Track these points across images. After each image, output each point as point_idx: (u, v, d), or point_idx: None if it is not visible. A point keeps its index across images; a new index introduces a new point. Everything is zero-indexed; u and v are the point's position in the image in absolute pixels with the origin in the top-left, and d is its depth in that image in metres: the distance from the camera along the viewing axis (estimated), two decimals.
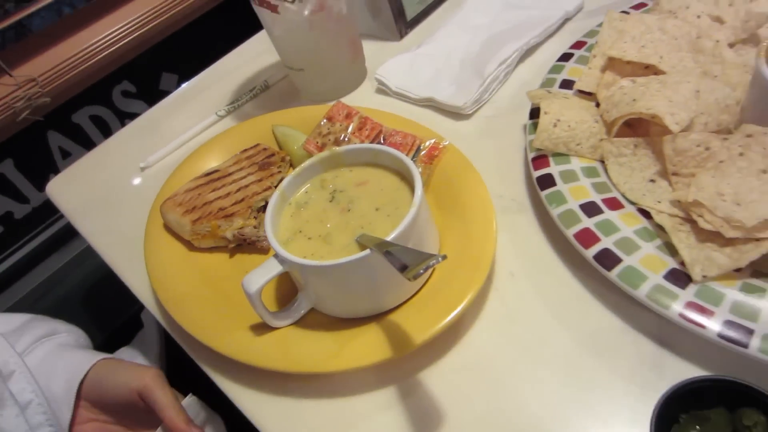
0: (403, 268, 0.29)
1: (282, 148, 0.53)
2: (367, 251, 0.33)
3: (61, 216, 0.95)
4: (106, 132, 0.97)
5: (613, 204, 0.38)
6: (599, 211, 0.37)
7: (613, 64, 0.46)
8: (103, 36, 0.87)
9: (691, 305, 0.31)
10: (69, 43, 0.85)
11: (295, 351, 0.36)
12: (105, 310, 0.89)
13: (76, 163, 0.65)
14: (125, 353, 0.58)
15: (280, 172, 0.50)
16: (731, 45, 0.46)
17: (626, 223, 0.36)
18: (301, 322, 0.38)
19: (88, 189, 0.60)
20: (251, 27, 0.68)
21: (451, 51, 0.58)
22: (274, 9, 0.54)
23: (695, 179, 0.36)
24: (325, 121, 0.51)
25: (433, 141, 0.46)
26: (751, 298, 0.31)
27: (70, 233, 0.95)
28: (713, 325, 0.30)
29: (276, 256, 0.36)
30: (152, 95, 0.94)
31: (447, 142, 0.46)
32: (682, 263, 0.33)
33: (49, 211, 0.95)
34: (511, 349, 0.35)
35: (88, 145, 0.95)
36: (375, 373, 0.36)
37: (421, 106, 0.55)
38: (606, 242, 0.35)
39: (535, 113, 0.45)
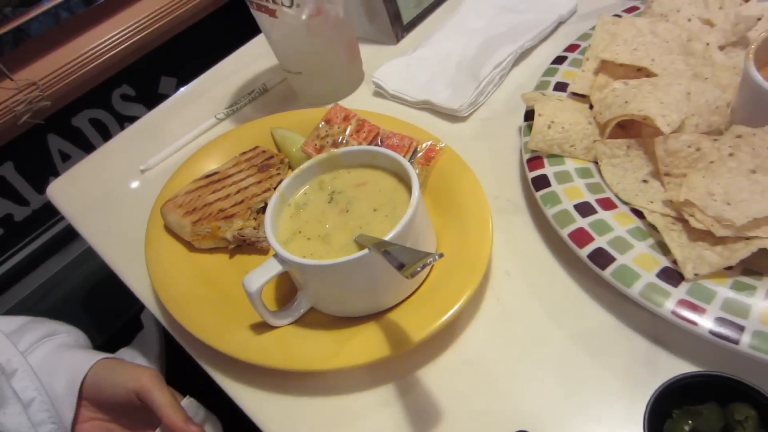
0: (400, 267, 0.29)
1: (281, 151, 0.53)
2: (366, 251, 0.33)
3: (61, 218, 0.95)
4: (106, 135, 0.97)
5: (607, 204, 0.38)
6: (593, 211, 0.38)
7: (605, 67, 0.47)
8: (103, 40, 0.87)
9: (683, 303, 0.31)
10: (69, 47, 0.85)
11: (294, 349, 0.37)
12: (105, 311, 0.89)
13: (77, 166, 0.65)
14: (125, 354, 0.58)
15: (278, 174, 0.50)
16: (721, 48, 0.47)
17: (619, 223, 0.37)
18: (301, 322, 0.38)
19: (89, 191, 0.61)
20: (249, 31, 0.68)
21: (447, 54, 0.58)
22: (272, 13, 0.54)
23: (686, 179, 0.36)
24: (323, 123, 0.51)
25: (429, 143, 0.47)
26: (742, 296, 0.31)
27: (69, 235, 0.95)
28: (705, 322, 0.30)
29: (276, 256, 0.36)
30: (151, 99, 0.94)
31: (443, 144, 0.46)
32: (675, 262, 0.33)
33: (48, 213, 0.94)
34: (507, 347, 0.35)
35: (88, 148, 0.95)
36: (373, 371, 0.36)
37: (417, 109, 0.56)
38: (600, 242, 0.35)
39: (529, 115, 0.45)
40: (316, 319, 0.38)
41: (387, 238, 0.34)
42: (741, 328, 0.29)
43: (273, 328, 0.38)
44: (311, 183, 0.43)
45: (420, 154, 0.46)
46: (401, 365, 0.36)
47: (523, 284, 0.38)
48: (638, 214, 0.37)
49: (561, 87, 0.48)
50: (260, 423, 0.36)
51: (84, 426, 0.45)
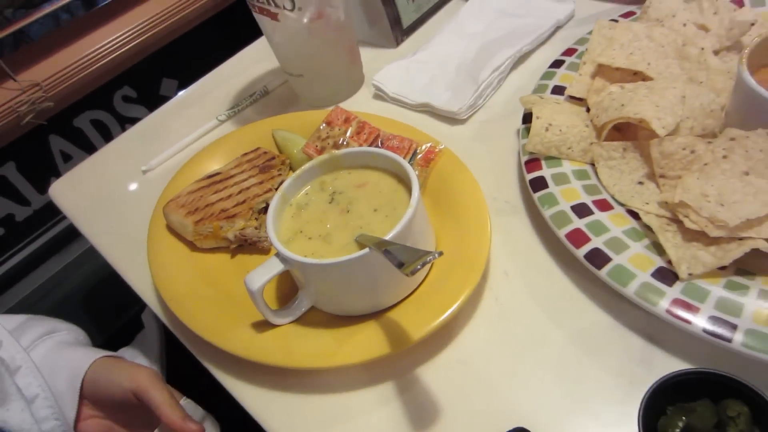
0: (400, 265, 0.30)
1: (282, 152, 0.54)
2: (366, 250, 0.34)
3: (62, 219, 0.95)
4: (107, 136, 0.97)
5: (603, 205, 0.39)
6: (590, 212, 0.38)
7: (602, 71, 0.48)
8: (105, 42, 0.88)
9: (677, 302, 0.32)
10: (72, 49, 0.85)
11: (295, 348, 0.37)
12: (105, 311, 0.89)
13: (79, 166, 0.65)
14: (126, 353, 0.59)
15: (280, 174, 0.50)
16: (716, 52, 0.48)
17: (615, 224, 0.37)
18: (302, 320, 0.39)
19: (91, 191, 0.61)
20: (250, 34, 0.69)
21: (447, 58, 0.59)
22: (274, 17, 0.55)
23: (681, 181, 0.37)
24: (324, 125, 0.51)
25: (429, 145, 0.47)
26: (735, 295, 0.32)
27: (70, 236, 0.96)
28: (699, 321, 0.31)
29: (277, 255, 0.36)
30: (152, 100, 0.95)
31: (443, 146, 0.47)
32: (669, 262, 0.34)
33: (49, 213, 0.95)
34: (504, 346, 0.36)
35: (89, 148, 0.95)
36: (372, 369, 0.36)
37: (417, 111, 0.56)
38: (596, 242, 0.36)
39: (527, 118, 0.46)
40: (316, 318, 0.39)
41: (387, 237, 0.34)
42: (734, 327, 0.30)
43: (274, 326, 0.38)
44: (312, 183, 0.43)
45: (420, 156, 0.46)
46: (400, 363, 0.36)
47: (520, 284, 0.38)
48: (634, 215, 0.38)
49: (559, 90, 0.49)
50: (261, 420, 0.36)
51: (85, 423, 0.45)
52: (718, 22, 0.49)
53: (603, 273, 0.34)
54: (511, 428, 0.31)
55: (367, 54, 0.64)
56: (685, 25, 0.50)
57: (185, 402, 0.45)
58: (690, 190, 0.36)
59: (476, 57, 0.57)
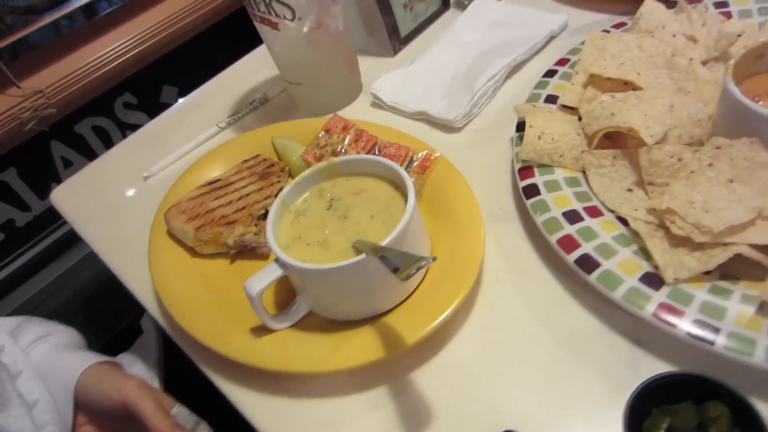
0: (396, 270, 0.31)
1: (281, 159, 0.55)
2: (363, 255, 0.35)
3: (62, 224, 0.97)
4: (108, 142, 0.99)
5: (594, 212, 0.40)
6: (580, 219, 0.40)
7: (594, 80, 0.49)
8: (108, 50, 0.90)
9: (663, 306, 0.33)
10: (75, 56, 0.87)
11: (293, 352, 0.38)
12: (104, 316, 0.90)
13: (81, 172, 0.67)
14: (124, 359, 0.59)
15: (279, 181, 0.52)
16: (704, 62, 0.49)
17: (605, 230, 0.39)
18: (299, 325, 0.40)
19: (92, 197, 0.62)
20: (250, 42, 0.70)
21: (443, 67, 0.61)
22: (274, 26, 0.57)
23: (669, 188, 0.38)
24: (323, 133, 0.53)
25: (425, 152, 0.49)
26: (719, 299, 0.33)
27: (69, 241, 0.97)
28: (683, 325, 0.32)
29: (277, 260, 0.38)
30: (153, 107, 0.96)
31: (438, 154, 0.48)
32: (656, 267, 0.35)
33: (50, 219, 0.96)
34: (497, 350, 0.37)
35: (90, 155, 0.97)
36: (368, 374, 0.38)
37: (414, 120, 0.58)
38: (586, 248, 0.37)
39: (521, 126, 0.48)
40: (313, 323, 0.40)
41: (383, 243, 0.36)
42: (716, 330, 0.31)
43: (272, 331, 0.40)
44: (311, 190, 0.45)
45: (416, 164, 0.48)
46: (394, 367, 0.38)
47: (513, 289, 0.40)
48: (623, 221, 0.39)
49: (552, 99, 0.51)
50: (257, 425, 0.38)
51: (81, 430, 0.46)
52: (707, 33, 0.51)
53: (592, 278, 0.36)
54: (501, 431, 0.32)
55: (365, 62, 0.66)
56: (674, 36, 0.52)
57: (178, 410, 0.46)
58: (677, 197, 0.37)
59: (472, 66, 0.59)
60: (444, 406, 0.35)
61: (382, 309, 0.39)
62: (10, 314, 0.91)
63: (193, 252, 0.48)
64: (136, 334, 0.62)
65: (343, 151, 0.51)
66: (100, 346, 0.66)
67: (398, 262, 0.31)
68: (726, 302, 0.33)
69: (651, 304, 0.33)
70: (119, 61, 0.91)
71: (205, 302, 0.43)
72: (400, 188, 0.41)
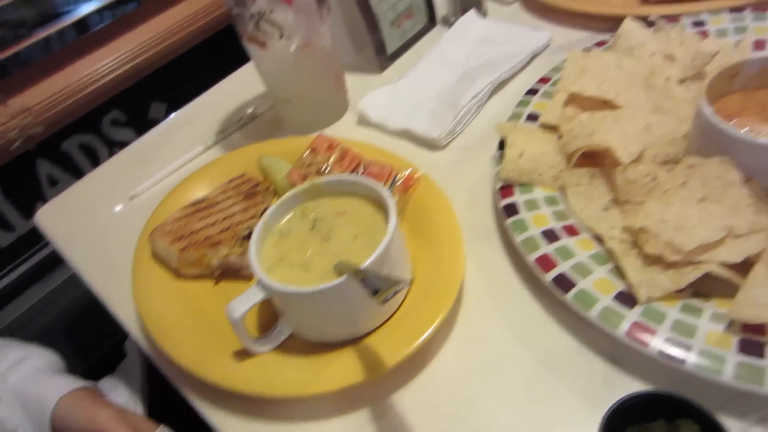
0: (375, 293, 0.33)
1: (267, 178, 0.57)
2: (343, 278, 0.37)
3: (46, 244, 0.97)
4: (95, 160, 1.01)
5: (571, 231, 0.42)
6: (558, 238, 0.41)
7: (574, 99, 0.51)
8: (97, 67, 0.92)
9: (636, 325, 0.35)
10: (63, 74, 0.89)
11: (275, 376, 0.39)
12: (88, 339, 0.91)
13: (66, 192, 0.68)
14: (108, 383, 0.60)
15: (264, 201, 0.54)
16: (682, 81, 0.52)
17: (582, 249, 0.40)
18: (282, 347, 0.42)
19: (77, 217, 0.64)
20: (240, 58, 0.72)
21: (428, 84, 0.63)
22: (262, 45, 0.59)
23: (643, 207, 0.40)
24: (308, 152, 0.55)
25: (408, 171, 0.51)
26: (690, 317, 0.35)
27: (54, 262, 0.98)
28: (656, 343, 0.34)
29: (258, 283, 0.39)
30: (141, 124, 0.98)
31: (421, 173, 0.50)
32: (631, 285, 0.37)
33: (34, 239, 0.97)
34: (477, 370, 0.38)
35: (76, 172, 0.98)
36: (351, 395, 0.39)
37: (399, 137, 0.60)
38: (563, 267, 0.39)
39: (503, 145, 0.50)
40: (296, 345, 0.41)
41: (364, 265, 0.37)
42: (687, 349, 0.33)
43: (254, 355, 0.41)
44: (295, 211, 0.46)
45: (399, 183, 0.50)
46: (377, 389, 0.39)
47: (492, 308, 0.41)
48: (600, 240, 0.41)
49: (533, 118, 0.53)
50: None
51: None
52: (684, 52, 0.53)
53: (568, 297, 0.37)
54: None
55: (352, 79, 0.68)
56: (653, 54, 0.54)
57: (161, 430, 0.47)
58: (651, 216, 0.39)
59: (457, 84, 0.61)
60: (426, 426, 0.36)
61: (364, 330, 0.40)
62: None
63: (177, 274, 0.50)
64: (120, 357, 0.63)
65: (327, 170, 0.53)
66: (83, 369, 0.67)
67: (377, 286, 0.33)
68: (697, 320, 0.34)
69: (625, 323, 0.35)
70: (109, 77, 0.94)
71: (187, 326, 0.45)
72: (383, 208, 0.43)
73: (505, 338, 0.39)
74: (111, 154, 0.73)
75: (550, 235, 0.42)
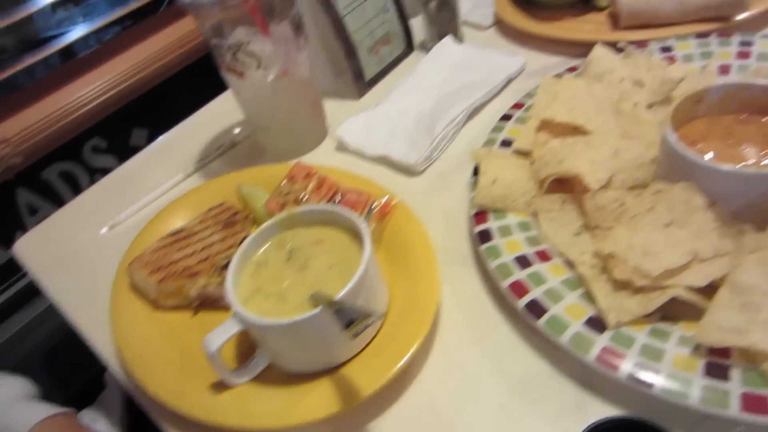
0: (349, 324, 0.34)
1: (247, 207, 0.58)
2: (317, 310, 0.37)
3: (24, 275, 0.97)
4: (75, 188, 1.01)
5: (544, 256, 0.43)
6: (530, 264, 0.43)
7: (546, 125, 0.53)
8: (80, 95, 0.93)
9: (606, 350, 0.36)
10: (44, 103, 0.91)
11: (252, 408, 0.40)
12: (67, 370, 0.90)
13: (45, 222, 0.69)
14: (87, 415, 0.60)
15: (243, 230, 0.54)
16: (650, 106, 0.54)
17: (554, 274, 0.42)
18: (259, 378, 0.42)
19: (56, 248, 0.64)
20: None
21: (405, 110, 0.65)
22: (240, 75, 0.60)
23: (611, 232, 0.42)
24: (285, 180, 0.56)
25: (386, 198, 0.52)
26: (658, 342, 0.36)
27: (32, 292, 0.97)
28: (625, 368, 0.35)
29: (234, 315, 0.40)
30: (123, 150, 0.99)
31: (398, 200, 0.51)
32: (601, 310, 0.38)
33: (12, 269, 0.97)
34: (453, 396, 0.39)
35: (57, 201, 0.99)
36: (329, 425, 0.39)
37: (377, 163, 0.61)
38: (535, 293, 0.40)
39: (477, 171, 0.51)
40: (273, 376, 0.42)
41: (338, 296, 0.38)
42: (655, 373, 0.34)
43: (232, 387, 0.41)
44: (272, 241, 0.47)
45: (376, 210, 0.51)
46: (354, 418, 0.40)
47: (468, 334, 0.42)
48: (571, 265, 0.42)
49: (507, 143, 0.55)
50: None
51: None
52: (652, 77, 0.56)
53: (540, 323, 0.38)
54: None
55: (331, 105, 0.70)
56: (622, 80, 0.56)
57: None
58: (619, 242, 0.40)
59: (433, 109, 0.63)
60: None
61: (339, 360, 0.41)
62: None
63: (155, 305, 0.50)
64: (100, 388, 0.62)
65: (305, 198, 0.54)
66: (62, 400, 0.66)
67: (351, 316, 0.34)
68: (665, 344, 0.36)
69: (595, 348, 0.36)
70: (91, 105, 0.95)
71: (165, 358, 0.45)
72: (359, 237, 0.44)
73: (480, 364, 0.40)
74: (92, 181, 0.74)
75: (523, 261, 0.43)
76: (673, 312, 0.37)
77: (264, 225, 0.47)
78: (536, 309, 0.39)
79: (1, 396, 0.51)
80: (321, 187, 0.54)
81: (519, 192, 0.48)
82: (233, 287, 0.42)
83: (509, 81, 0.66)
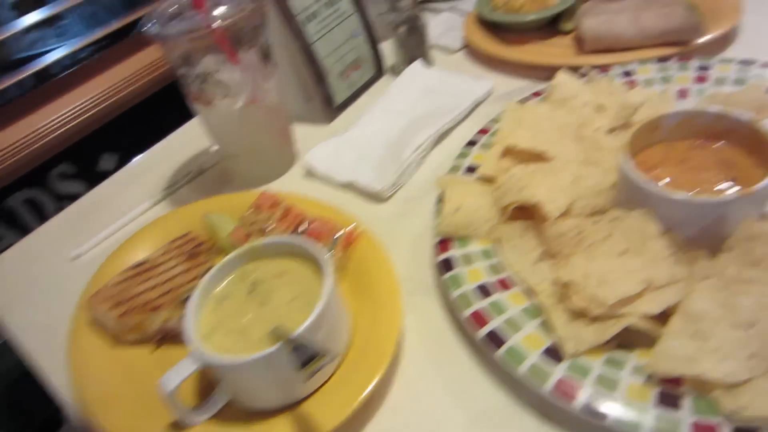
0: (307, 362, 0.34)
1: (212, 236, 0.58)
2: (274, 348, 0.38)
3: None
4: (41, 215, 1.00)
5: (505, 284, 0.44)
6: (491, 293, 0.44)
7: (509, 151, 0.55)
8: (48, 121, 0.93)
9: (562, 381, 0.37)
10: (9, 131, 0.90)
11: None
12: (24, 408, 0.88)
13: (7, 252, 0.68)
14: None
15: (207, 261, 0.55)
16: (612, 130, 0.56)
17: (515, 303, 0.43)
18: (219, 415, 0.42)
19: (16, 279, 0.64)
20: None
21: (373, 135, 0.66)
22: (207, 103, 0.61)
23: (569, 261, 0.43)
24: (251, 210, 0.57)
25: (351, 226, 0.53)
26: (613, 371, 0.37)
27: None
28: (581, 398, 0.36)
29: (191, 354, 0.40)
30: (91, 176, 0.99)
31: (362, 228, 0.52)
32: (559, 338, 0.39)
33: None
34: (414, 430, 0.40)
35: (23, 229, 0.97)
36: None
37: (344, 190, 0.62)
38: (495, 323, 0.41)
39: (441, 199, 0.52)
40: (233, 413, 0.42)
41: (297, 332, 0.38)
42: (611, 402, 0.35)
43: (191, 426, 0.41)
44: (235, 273, 0.47)
45: (341, 239, 0.52)
46: None
47: (429, 366, 0.43)
48: (532, 293, 0.43)
49: (472, 170, 0.56)
50: None
51: None
52: (614, 102, 0.58)
53: (499, 354, 0.39)
54: None
55: (302, 130, 0.71)
56: (585, 105, 0.58)
57: None
58: (577, 270, 0.42)
59: (401, 135, 0.65)
60: None
61: (301, 396, 0.41)
62: None
63: (116, 340, 0.50)
64: (57, 426, 0.61)
65: (270, 228, 0.54)
66: None
67: (310, 353, 0.34)
68: (619, 373, 0.37)
69: (552, 379, 0.37)
70: (60, 131, 0.95)
71: (124, 395, 0.45)
72: (322, 269, 0.45)
73: (441, 397, 0.41)
74: (59, 208, 0.73)
75: (485, 290, 0.44)
76: (629, 339, 0.38)
77: (226, 258, 0.47)
78: (495, 339, 0.40)
79: None
80: (287, 216, 0.55)
81: (482, 219, 0.49)
82: (192, 324, 0.42)
83: (477, 105, 0.68)
